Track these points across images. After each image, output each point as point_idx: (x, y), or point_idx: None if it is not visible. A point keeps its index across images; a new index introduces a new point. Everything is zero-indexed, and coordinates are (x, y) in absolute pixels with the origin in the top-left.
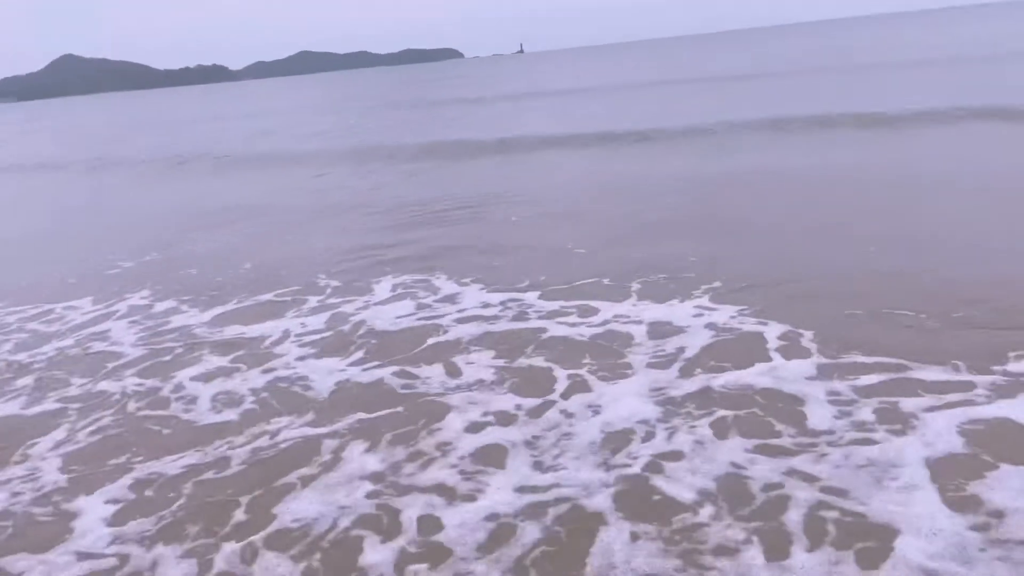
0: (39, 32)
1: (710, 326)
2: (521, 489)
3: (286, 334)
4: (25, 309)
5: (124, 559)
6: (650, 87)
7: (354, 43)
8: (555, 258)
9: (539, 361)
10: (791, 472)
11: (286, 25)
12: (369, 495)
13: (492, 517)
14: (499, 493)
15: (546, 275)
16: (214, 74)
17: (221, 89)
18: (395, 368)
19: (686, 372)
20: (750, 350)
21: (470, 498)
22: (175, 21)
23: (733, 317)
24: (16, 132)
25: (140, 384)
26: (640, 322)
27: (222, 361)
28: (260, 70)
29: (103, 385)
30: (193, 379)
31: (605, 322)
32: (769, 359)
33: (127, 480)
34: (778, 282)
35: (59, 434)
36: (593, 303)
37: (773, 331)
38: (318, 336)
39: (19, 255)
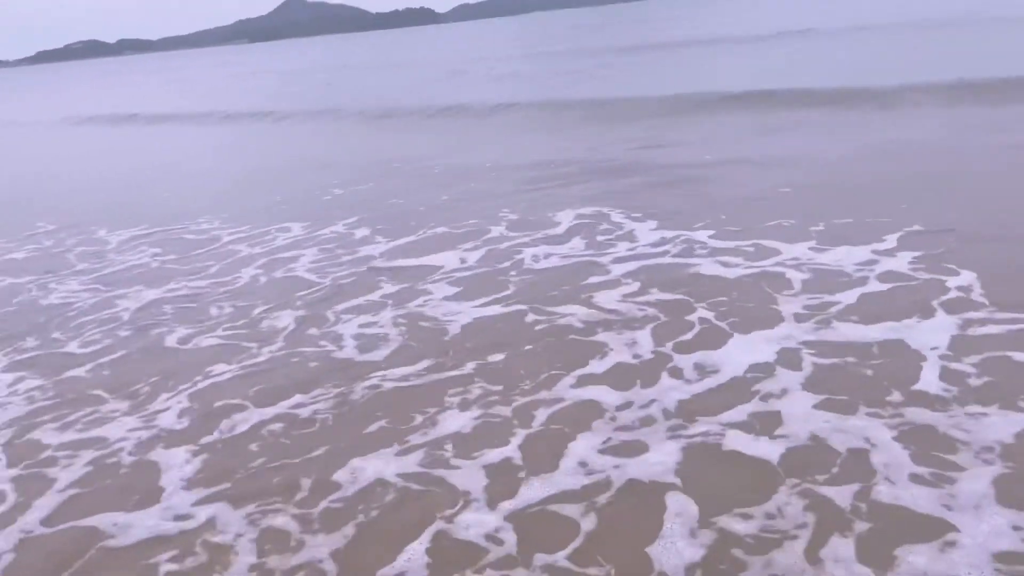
0: None
1: (884, 275)
2: (606, 443)
3: (446, 268)
4: (243, 229)
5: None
6: (875, 31)
7: None
8: (744, 202)
9: (683, 301)
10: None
11: None
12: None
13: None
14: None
15: (727, 215)
16: (420, 16)
17: (426, 32)
18: (538, 306)
19: (824, 321)
20: (915, 303)
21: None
22: None
23: (912, 264)
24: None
25: (299, 315)
26: (808, 265)
27: (382, 294)
28: (465, 12)
29: (267, 315)
30: (346, 311)
31: (773, 263)
32: (931, 313)
33: (237, 419)
34: (980, 236)
35: (218, 368)
36: (766, 243)
37: (949, 283)
38: (473, 272)
39: (248, 187)
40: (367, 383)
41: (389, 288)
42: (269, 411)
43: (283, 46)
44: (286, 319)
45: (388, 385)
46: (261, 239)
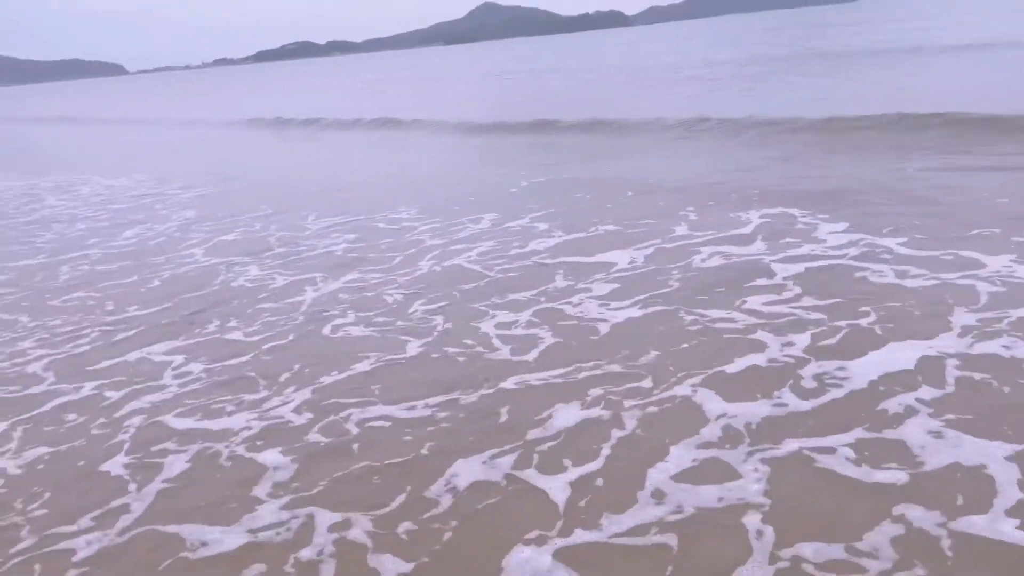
0: None
1: None
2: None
3: (615, 266)
4: (435, 220)
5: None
6: None
7: None
8: (946, 210)
9: (845, 307)
10: None
11: None
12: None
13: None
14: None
15: (923, 222)
16: (610, 19)
17: (615, 35)
18: (692, 308)
19: (990, 335)
20: None
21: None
22: None
23: None
24: (439, 76)
25: (456, 309)
26: (1006, 279)
27: (541, 290)
28: (655, 15)
29: (427, 308)
30: (501, 307)
31: (962, 275)
32: None
33: (356, 417)
34: None
35: (363, 365)
36: (964, 253)
37: None
38: (637, 271)
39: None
40: (500, 383)
41: (549, 284)
42: (391, 409)
43: (476, 48)
44: (443, 312)
45: (516, 385)
46: (446, 231)
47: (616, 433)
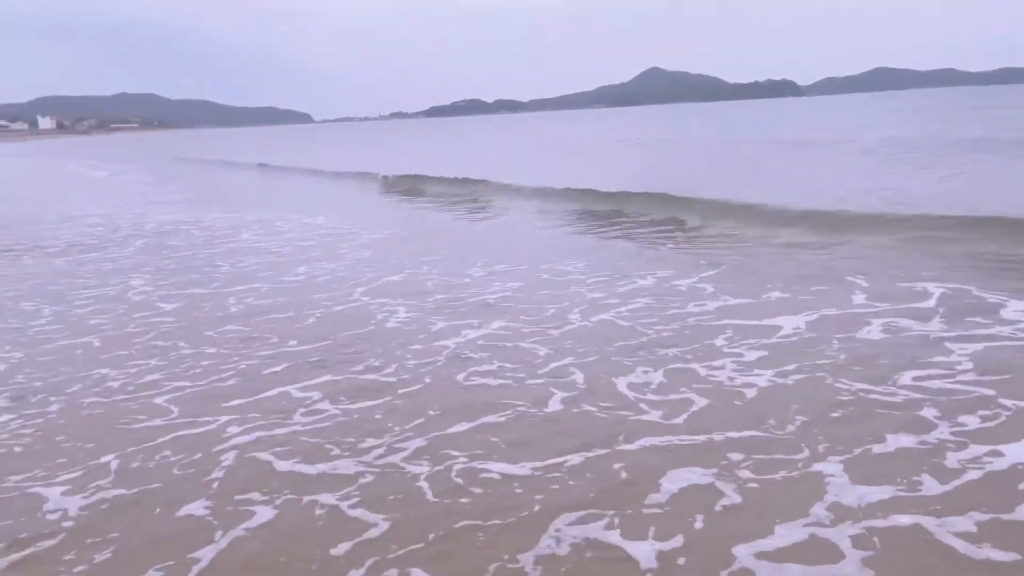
0: (630, 47)
1: None
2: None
3: (781, 330)
4: (603, 275)
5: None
6: None
7: (938, 59)
8: None
9: (1015, 390)
10: None
11: (861, 39)
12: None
13: None
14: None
15: None
16: (782, 88)
17: (787, 104)
18: (845, 380)
19: None
20: None
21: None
22: (749, 37)
23: None
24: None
25: (601, 366)
26: None
27: (691, 349)
28: (830, 86)
29: (574, 363)
30: (643, 365)
31: None
32: None
33: (463, 472)
34: None
35: (493, 416)
36: None
37: None
38: (800, 337)
39: None
40: (626, 442)
41: (702, 345)
42: (507, 466)
43: (639, 111)
44: (585, 368)
45: (642, 445)
46: (609, 286)
47: (723, 502)
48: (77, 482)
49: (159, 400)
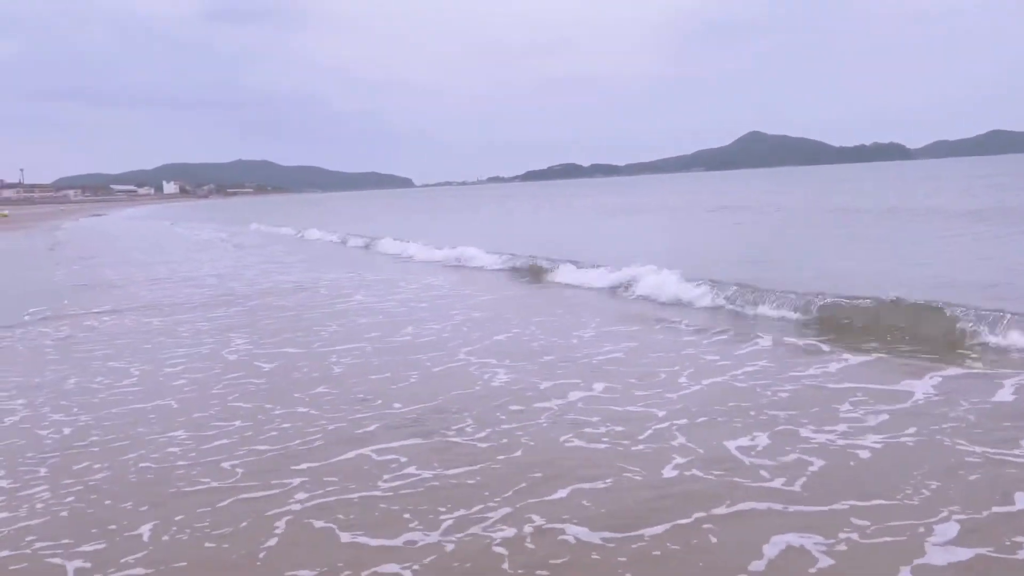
0: (729, 111)
1: None
2: None
3: (912, 395)
4: (722, 335)
5: None
6: None
7: None
8: None
9: None
10: None
11: (974, 100)
12: None
13: None
14: None
15: None
16: (889, 152)
17: (893, 167)
18: (970, 446)
19: None
20: None
21: None
22: (854, 99)
23: None
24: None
25: (720, 432)
26: None
27: (805, 414)
28: (941, 149)
29: (672, 425)
30: (753, 429)
31: None
32: None
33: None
34: None
35: (593, 483)
36: None
37: None
38: (927, 400)
39: None
40: (726, 507)
41: (820, 409)
42: (604, 534)
43: (737, 174)
44: (691, 431)
45: (741, 509)
46: (725, 346)
47: (813, 569)
48: (99, 555)
49: (225, 463)
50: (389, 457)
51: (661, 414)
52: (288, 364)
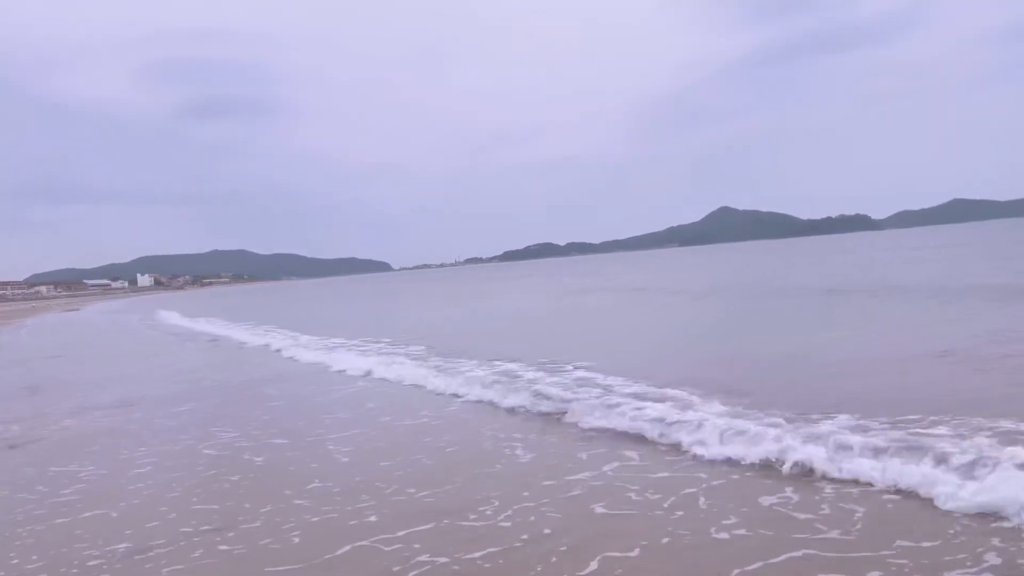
0: (700, 188)
1: None
2: None
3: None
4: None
5: None
6: None
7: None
8: None
9: None
10: None
11: (935, 171)
12: None
13: None
14: None
15: None
16: (855, 223)
17: (859, 238)
18: None
19: None
20: None
21: None
22: (820, 173)
23: None
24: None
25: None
26: None
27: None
28: (905, 219)
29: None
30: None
31: None
32: None
33: None
34: None
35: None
36: None
37: None
38: None
39: None
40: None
41: None
42: None
43: (711, 250)
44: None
45: None
46: None
47: None
48: None
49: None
50: (395, 547)
51: (689, 477)
52: (276, 457)
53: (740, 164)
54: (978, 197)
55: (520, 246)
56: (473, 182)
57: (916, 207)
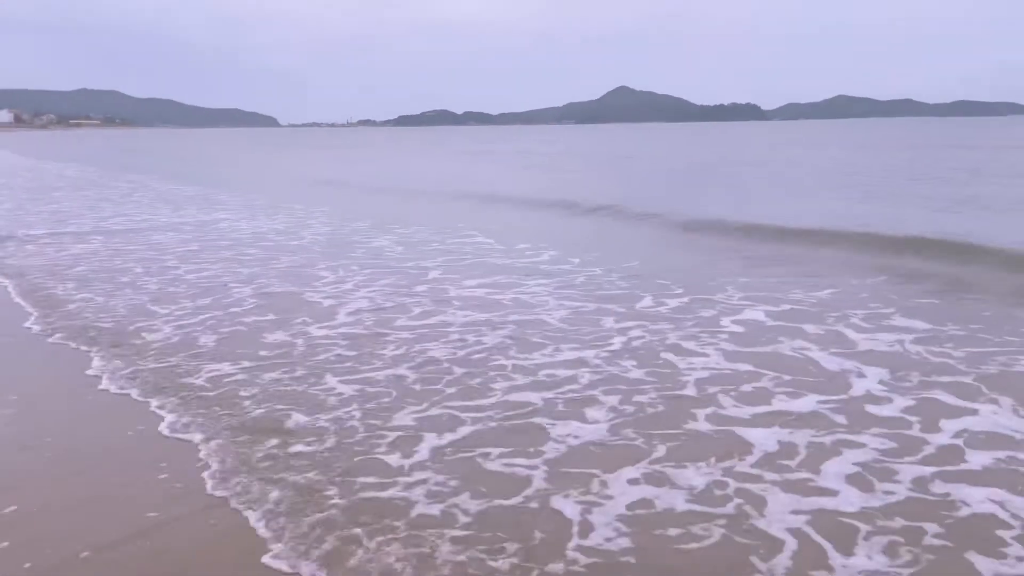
0: (599, 65)
1: None
2: None
3: None
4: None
5: None
6: None
7: (897, 90)
8: None
9: None
10: None
11: (823, 67)
12: None
13: None
14: None
15: None
16: (746, 112)
17: (752, 128)
18: None
19: None
20: None
21: None
22: (715, 59)
23: None
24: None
25: None
26: None
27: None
28: (792, 111)
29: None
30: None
31: None
32: None
33: None
34: None
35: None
36: None
37: None
38: None
39: None
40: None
41: None
42: None
43: (607, 129)
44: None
45: None
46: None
47: None
48: None
49: None
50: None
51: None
52: None
53: (642, 42)
54: (860, 95)
55: (416, 111)
56: (369, 38)
57: (803, 101)
